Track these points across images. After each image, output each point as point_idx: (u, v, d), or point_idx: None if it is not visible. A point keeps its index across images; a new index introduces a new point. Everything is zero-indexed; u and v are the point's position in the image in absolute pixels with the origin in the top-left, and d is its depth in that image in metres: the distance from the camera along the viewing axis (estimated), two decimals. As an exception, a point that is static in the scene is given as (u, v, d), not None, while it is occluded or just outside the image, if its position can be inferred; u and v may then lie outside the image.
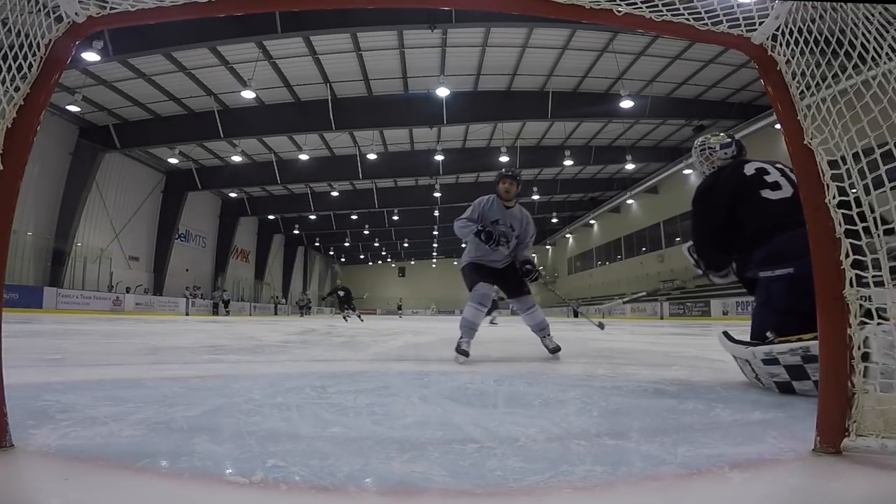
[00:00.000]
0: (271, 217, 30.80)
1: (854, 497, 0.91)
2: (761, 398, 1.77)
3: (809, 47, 1.18)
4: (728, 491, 0.93)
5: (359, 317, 16.13)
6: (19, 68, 1.11)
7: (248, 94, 14.50)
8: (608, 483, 0.95)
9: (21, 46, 1.12)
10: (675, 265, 23.16)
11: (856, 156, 1.12)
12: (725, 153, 2.39)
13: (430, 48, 14.32)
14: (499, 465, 1.03)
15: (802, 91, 1.19)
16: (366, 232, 36.24)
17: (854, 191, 1.12)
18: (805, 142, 1.15)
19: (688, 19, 1.23)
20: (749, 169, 2.20)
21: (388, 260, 53.16)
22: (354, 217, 31.86)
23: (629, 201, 28.63)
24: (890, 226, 1.06)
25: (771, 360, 1.79)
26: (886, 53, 1.09)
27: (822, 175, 1.12)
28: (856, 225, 1.08)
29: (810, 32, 1.19)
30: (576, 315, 21.64)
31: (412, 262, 53.85)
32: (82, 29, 1.17)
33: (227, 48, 13.62)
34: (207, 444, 1.15)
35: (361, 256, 50.55)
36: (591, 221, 33.98)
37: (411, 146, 21.56)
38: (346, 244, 41.60)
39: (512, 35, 13.85)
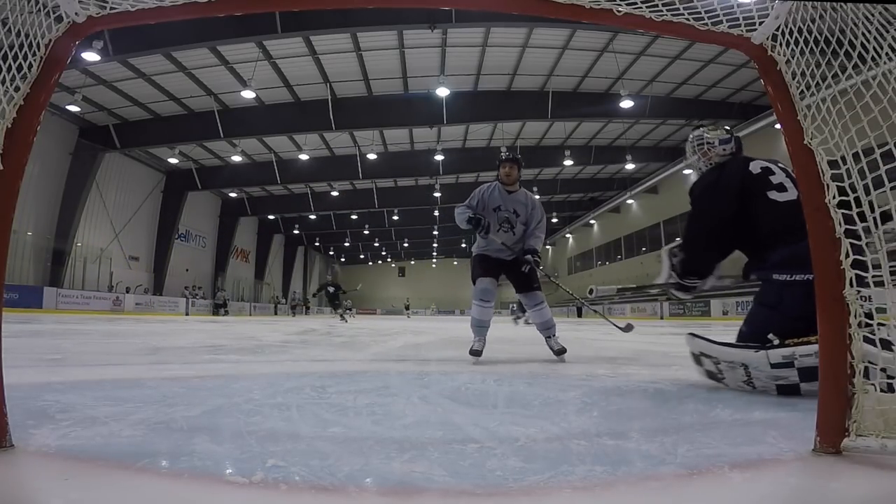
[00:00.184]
0: (271, 217, 30.80)
1: (854, 497, 0.91)
2: (761, 398, 1.77)
3: (809, 47, 1.18)
4: (728, 491, 0.93)
5: (341, 317, 14.65)
6: (19, 68, 1.11)
7: (248, 94, 14.50)
8: (608, 483, 0.95)
9: (21, 46, 1.12)
10: (675, 265, 23.07)
11: (856, 156, 1.12)
12: (724, 149, 2.30)
13: (430, 48, 14.32)
14: (499, 465, 1.03)
15: (802, 91, 1.19)
16: (366, 232, 36.24)
17: (854, 191, 1.12)
18: (805, 142, 1.15)
19: (688, 19, 1.23)
20: (755, 167, 2.12)
21: (388, 260, 53.16)
22: (354, 217, 31.85)
23: (629, 201, 28.61)
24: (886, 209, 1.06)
25: (785, 364, 1.75)
26: (886, 53, 1.09)
27: (822, 175, 1.12)
28: (855, 225, 1.08)
29: (810, 32, 1.19)
30: (579, 314, 21.60)
31: (412, 262, 53.85)
32: (82, 29, 1.17)
33: (227, 48, 13.61)
34: (207, 444, 1.15)
35: (361, 256, 50.54)
36: (591, 221, 33.97)
37: (411, 146, 21.55)
38: (346, 244, 41.61)
39: (512, 35, 13.84)
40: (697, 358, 2.07)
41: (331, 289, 15.25)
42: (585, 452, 1.13)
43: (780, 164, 2.14)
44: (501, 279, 3.34)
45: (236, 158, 20.97)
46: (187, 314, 20.83)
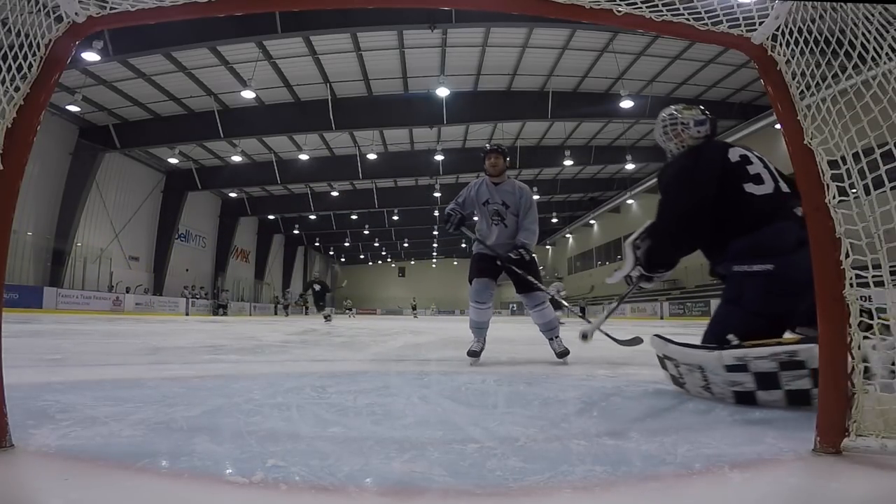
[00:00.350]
0: (271, 217, 30.80)
1: (854, 497, 0.91)
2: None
3: (809, 47, 1.18)
4: (728, 491, 0.93)
5: (326, 318, 13.54)
6: (19, 68, 1.11)
7: (248, 94, 14.49)
8: (608, 483, 0.95)
9: (21, 46, 1.12)
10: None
11: (856, 156, 1.12)
12: (699, 131, 2.11)
13: (430, 48, 14.31)
14: (499, 465, 1.03)
15: (802, 91, 1.19)
16: (366, 232, 36.23)
17: (854, 191, 1.12)
18: (805, 142, 1.15)
19: (688, 19, 1.23)
20: (734, 155, 1.95)
21: (388, 260, 53.16)
22: (354, 217, 31.85)
23: (629, 201, 28.61)
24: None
25: (738, 367, 1.59)
26: (886, 53, 1.09)
27: (822, 175, 1.12)
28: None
29: (810, 32, 1.19)
30: (583, 314, 21.53)
31: (412, 262, 53.85)
32: (82, 29, 1.17)
33: (227, 48, 13.61)
34: (207, 444, 1.15)
35: (361, 256, 50.55)
36: (591, 221, 33.98)
37: (411, 146, 21.55)
38: (346, 244, 41.60)
39: (512, 35, 13.84)
40: (662, 361, 1.96)
41: (316, 286, 14.18)
42: (585, 452, 1.13)
43: (756, 153, 2.00)
44: (503, 278, 3.25)
45: (236, 158, 20.96)
46: (187, 314, 20.83)
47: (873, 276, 1.07)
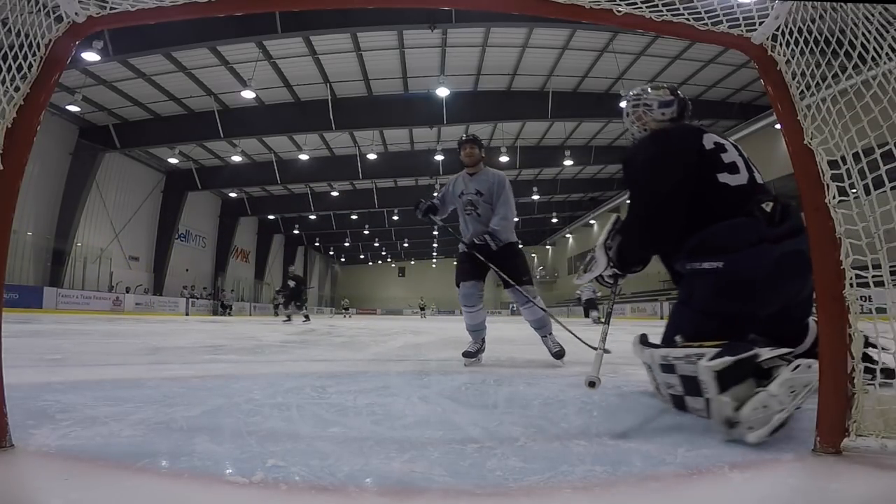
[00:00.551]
0: (271, 217, 30.79)
1: (854, 497, 0.91)
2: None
3: (809, 47, 1.18)
4: (728, 491, 0.93)
5: (306, 317, 12.58)
6: (19, 68, 1.11)
7: (248, 94, 14.49)
8: (608, 483, 0.95)
9: (21, 46, 1.12)
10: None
11: (856, 156, 1.12)
12: (663, 114, 1.93)
13: (430, 48, 14.31)
14: (499, 465, 1.03)
15: (802, 91, 1.19)
16: (366, 232, 36.22)
17: (854, 191, 1.12)
18: (805, 142, 1.15)
19: (688, 19, 1.23)
20: (708, 141, 1.76)
21: (388, 260, 53.16)
22: (354, 217, 31.85)
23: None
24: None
25: (667, 368, 1.49)
26: (886, 53, 1.09)
27: (822, 175, 1.12)
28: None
29: (810, 32, 1.19)
30: (586, 315, 21.50)
31: (412, 262, 53.84)
32: (82, 29, 1.17)
33: (227, 48, 13.61)
34: (207, 444, 1.15)
35: (361, 256, 50.55)
36: (591, 221, 33.93)
37: (411, 146, 21.55)
38: (346, 244, 41.59)
39: (512, 35, 13.84)
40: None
41: (291, 283, 13.14)
42: (585, 452, 1.13)
43: (732, 141, 1.83)
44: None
45: (236, 158, 20.97)
46: (187, 314, 20.82)
47: (873, 276, 1.07)
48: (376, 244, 42.90)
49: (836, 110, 1.14)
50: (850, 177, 1.12)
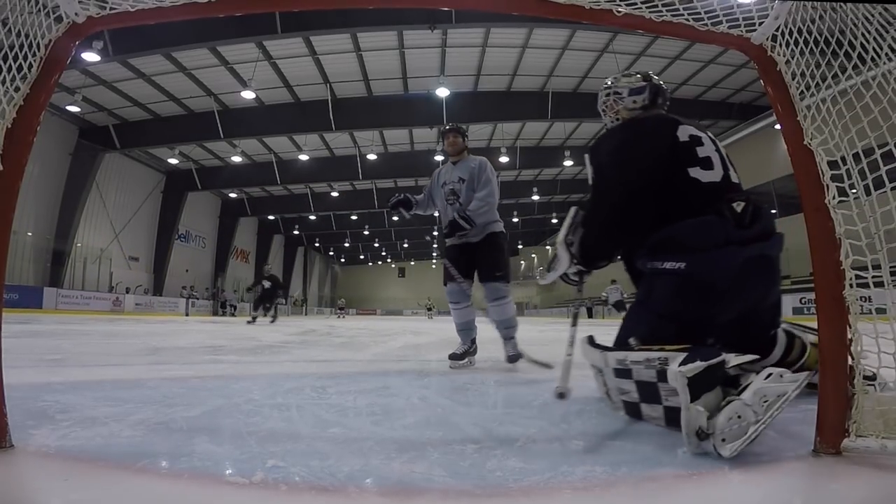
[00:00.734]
0: (271, 217, 30.80)
1: (854, 497, 0.91)
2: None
3: (809, 48, 1.18)
4: (728, 491, 0.93)
5: (273, 318, 11.79)
6: (19, 68, 1.11)
7: (248, 95, 14.49)
8: (608, 483, 0.95)
9: (21, 47, 1.12)
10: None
11: (856, 156, 1.12)
12: (634, 101, 1.82)
13: (430, 48, 14.31)
14: (498, 465, 1.03)
15: (802, 91, 1.19)
16: (366, 232, 36.23)
17: (854, 191, 1.12)
18: (805, 142, 1.15)
19: (687, 20, 1.23)
20: (683, 133, 1.64)
21: (388, 260, 53.17)
22: (354, 217, 31.86)
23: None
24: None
25: (623, 372, 1.40)
26: (886, 54, 1.09)
27: (821, 175, 1.12)
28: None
29: (810, 33, 1.19)
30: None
31: (412, 263, 53.85)
32: (82, 29, 1.17)
33: (227, 48, 13.60)
34: (207, 444, 1.15)
35: (361, 257, 50.55)
36: (591, 222, 33.91)
37: (411, 146, 21.55)
38: (346, 244, 41.61)
39: (512, 35, 13.84)
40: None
41: (266, 283, 12.16)
42: (585, 452, 1.13)
43: (709, 134, 1.71)
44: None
45: (236, 159, 20.96)
46: (187, 314, 20.81)
47: (873, 277, 1.07)
48: (376, 244, 42.91)
49: (836, 111, 1.14)
50: (850, 177, 1.12)
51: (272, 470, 0.98)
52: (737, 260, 1.43)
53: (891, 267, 1.06)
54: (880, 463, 1.01)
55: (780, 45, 1.21)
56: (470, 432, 1.31)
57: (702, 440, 1.07)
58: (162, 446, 1.13)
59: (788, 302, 12.52)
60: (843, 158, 1.13)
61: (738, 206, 1.48)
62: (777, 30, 1.21)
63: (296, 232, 33.81)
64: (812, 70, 1.17)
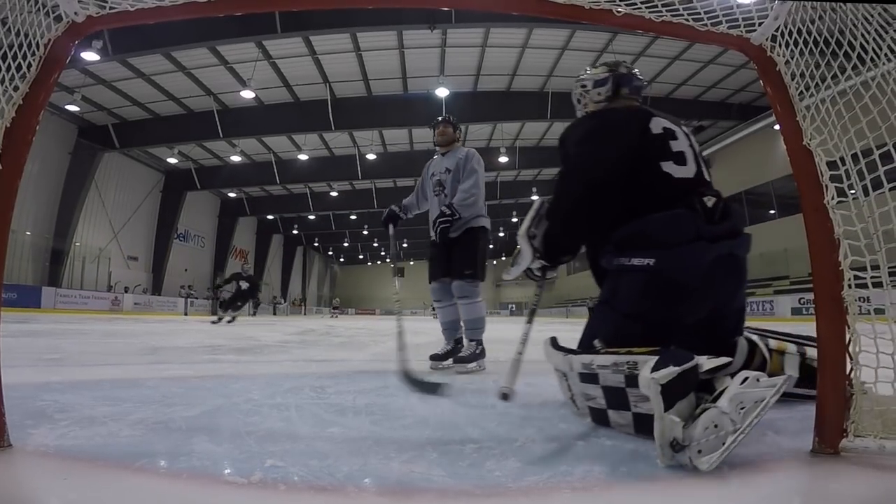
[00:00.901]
0: (270, 217, 30.79)
1: (852, 498, 0.91)
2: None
3: (809, 48, 1.19)
4: (727, 491, 0.93)
5: (233, 318, 11.04)
6: (18, 68, 1.11)
7: (248, 94, 14.50)
8: (608, 483, 0.95)
9: (20, 46, 1.12)
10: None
11: (855, 157, 1.12)
12: (599, 93, 1.77)
13: (429, 48, 14.32)
14: (497, 465, 1.03)
15: (802, 92, 1.19)
16: (365, 232, 36.24)
17: (853, 192, 1.11)
18: (804, 142, 1.15)
19: (687, 20, 1.23)
20: (656, 126, 1.59)
21: (388, 260, 53.15)
22: (353, 217, 31.87)
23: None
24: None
25: (589, 377, 1.33)
26: (886, 54, 1.09)
27: (821, 176, 1.12)
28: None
29: (810, 33, 1.19)
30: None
31: (411, 263, 53.81)
32: (82, 28, 1.17)
33: (226, 48, 13.60)
34: (206, 444, 1.15)
35: (360, 257, 50.54)
36: (591, 222, 33.92)
37: (411, 146, 21.56)
38: (346, 244, 41.62)
39: (512, 35, 13.85)
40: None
41: (244, 284, 11.38)
42: (584, 452, 1.13)
43: (684, 127, 1.66)
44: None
45: (235, 158, 20.96)
46: (186, 314, 20.79)
47: (872, 278, 1.07)
48: (375, 244, 42.89)
49: (836, 111, 1.14)
50: (849, 178, 1.12)
51: (271, 469, 0.98)
52: (707, 257, 1.38)
53: (889, 267, 1.06)
54: (878, 463, 1.01)
55: (780, 45, 1.21)
56: (469, 432, 1.31)
57: (676, 452, 1.01)
58: (161, 446, 1.13)
59: (788, 302, 12.65)
60: (842, 159, 1.13)
61: (709, 201, 1.45)
62: (777, 30, 1.21)
63: (295, 231, 33.81)
64: (811, 70, 1.17)
